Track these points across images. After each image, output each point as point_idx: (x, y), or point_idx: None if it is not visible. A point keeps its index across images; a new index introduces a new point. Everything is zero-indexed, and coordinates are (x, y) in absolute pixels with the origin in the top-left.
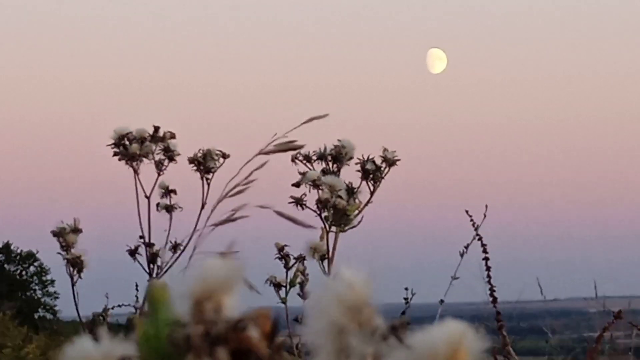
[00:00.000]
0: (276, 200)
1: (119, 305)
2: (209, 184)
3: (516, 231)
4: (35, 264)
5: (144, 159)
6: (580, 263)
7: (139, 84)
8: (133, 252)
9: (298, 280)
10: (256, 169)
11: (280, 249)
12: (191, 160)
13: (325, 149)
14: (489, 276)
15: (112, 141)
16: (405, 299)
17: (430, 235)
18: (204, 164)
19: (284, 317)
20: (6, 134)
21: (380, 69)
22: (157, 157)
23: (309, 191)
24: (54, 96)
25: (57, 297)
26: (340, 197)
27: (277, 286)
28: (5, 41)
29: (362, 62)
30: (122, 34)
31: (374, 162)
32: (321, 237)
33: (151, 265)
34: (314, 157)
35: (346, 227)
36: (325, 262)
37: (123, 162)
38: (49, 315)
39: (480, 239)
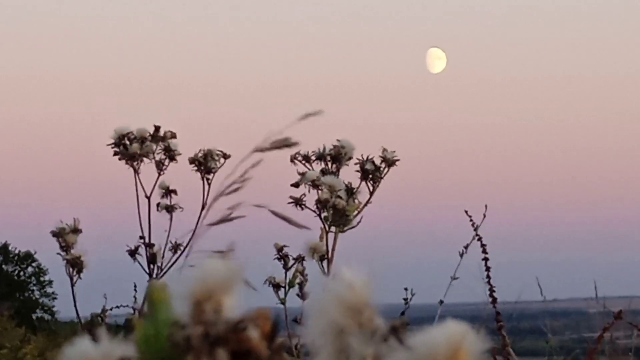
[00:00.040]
0: (276, 200)
1: (117, 306)
2: (209, 185)
3: (516, 231)
4: (33, 264)
5: (145, 158)
6: (580, 263)
7: (139, 84)
8: (133, 253)
9: (297, 280)
10: (251, 167)
11: (280, 249)
12: (192, 161)
13: (324, 149)
14: (488, 276)
15: (113, 141)
16: (405, 299)
17: (430, 235)
18: (204, 164)
19: (283, 318)
20: (6, 134)
21: (380, 68)
22: (157, 157)
23: (309, 191)
24: (54, 96)
25: (55, 298)
26: (339, 197)
27: (276, 287)
28: (5, 41)
29: (362, 62)
30: (122, 34)
31: (373, 162)
32: (320, 238)
33: (151, 266)
34: (313, 157)
35: (345, 228)
36: (325, 263)
37: (123, 162)
38: (47, 316)
39: (479, 239)
